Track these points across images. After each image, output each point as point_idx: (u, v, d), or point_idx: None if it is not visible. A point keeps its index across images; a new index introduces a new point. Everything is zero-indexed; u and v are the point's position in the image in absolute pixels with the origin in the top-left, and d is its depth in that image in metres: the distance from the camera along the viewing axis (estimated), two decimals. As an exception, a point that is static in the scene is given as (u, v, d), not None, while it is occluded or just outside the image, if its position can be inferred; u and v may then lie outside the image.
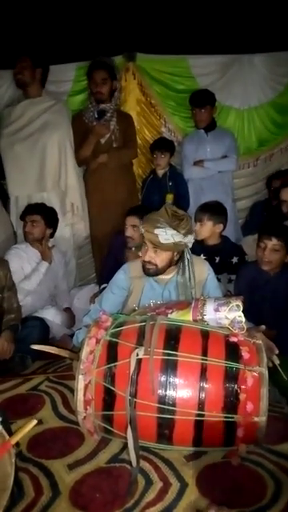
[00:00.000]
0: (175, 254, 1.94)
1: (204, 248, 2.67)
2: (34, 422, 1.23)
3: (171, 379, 1.46)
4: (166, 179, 3.39)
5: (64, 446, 1.60)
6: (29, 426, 1.21)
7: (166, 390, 1.46)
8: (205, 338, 1.55)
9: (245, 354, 1.50)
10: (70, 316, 3.00)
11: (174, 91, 3.66)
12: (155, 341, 1.49)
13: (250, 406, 1.43)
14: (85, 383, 1.52)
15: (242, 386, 1.45)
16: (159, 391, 1.46)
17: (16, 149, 3.20)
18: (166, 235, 1.83)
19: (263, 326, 1.70)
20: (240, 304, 1.61)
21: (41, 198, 3.19)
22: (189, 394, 1.46)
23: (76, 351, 1.76)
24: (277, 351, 1.65)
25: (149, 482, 1.41)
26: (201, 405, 1.44)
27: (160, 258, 1.91)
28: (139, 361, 1.47)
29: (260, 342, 1.57)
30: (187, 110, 3.57)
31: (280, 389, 1.87)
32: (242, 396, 1.44)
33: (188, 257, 1.96)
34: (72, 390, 1.66)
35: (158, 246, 1.87)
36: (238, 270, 2.56)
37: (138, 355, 1.47)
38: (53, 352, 1.81)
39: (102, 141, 3.31)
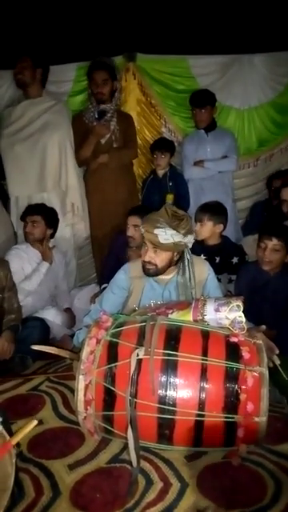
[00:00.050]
0: (175, 254, 1.94)
1: (204, 248, 2.67)
2: (35, 422, 1.23)
3: (171, 379, 1.46)
4: (166, 179, 3.39)
5: (64, 446, 1.60)
6: (29, 427, 1.21)
7: (166, 391, 1.46)
8: (205, 338, 1.55)
9: (245, 354, 1.50)
10: (71, 316, 3.00)
11: (174, 91, 3.66)
12: (155, 341, 1.49)
13: (250, 406, 1.43)
14: (85, 383, 1.53)
15: (243, 386, 1.45)
16: (159, 391, 1.46)
17: (16, 149, 3.20)
18: (166, 235, 1.83)
19: (263, 326, 1.71)
20: (240, 304, 1.61)
21: (41, 199, 3.19)
22: (189, 395, 1.46)
23: (76, 351, 1.76)
24: (277, 351, 1.65)
25: (149, 482, 1.41)
26: (201, 405, 1.45)
27: (160, 258, 1.91)
28: (139, 361, 1.47)
29: (260, 342, 1.57)
30: (187, 110, 3.57)
31: (280, 389, 1.87)
32: (243, 396, 1.44)
33: (188, 257, 1.96)
34: (72, 391, 1.66)
35: (157, 246, 1.87)
36: (239, 270, 2.56)
37: (138, 355, 1.47)
38: (53, 352, 1.81)
39: (103, 141, 3.31)
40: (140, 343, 1.51)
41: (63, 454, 1.55)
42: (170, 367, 1.47)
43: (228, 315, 1.60)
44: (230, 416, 1.45)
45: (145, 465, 1.49)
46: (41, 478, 1.44)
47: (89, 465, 1.50)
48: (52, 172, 3.24)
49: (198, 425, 1.46)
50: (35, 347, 1.86)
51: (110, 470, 1.48)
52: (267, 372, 1.48)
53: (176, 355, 1.48)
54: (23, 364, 2.33)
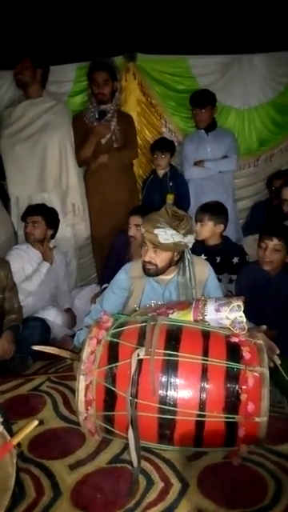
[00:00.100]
0: (175, 254, 1.94)
1: (205, 248, 2.67)
2: (36, 422, 1.23)
3: (172, 380, 1.46)
4: (166, 179, 3.39)
5: (65, 446, 1.60)
6: (30, 427, 1.21)
7: (166, 391, 1.46)
8: (206, 338, 1.55)
9: (246, 355, 1.50)
10: (71, 316, 3.00)
11: (175, 91, 3.66)
12: (156, 341, 1.49)
13: (251, 407, 1.43)
14: (86, 384, 1.53)
15: (243, 387, 1.45)
16: (160, 392, 1.46)
17: (16, 149, 3.20)
18: (166, 235, 1.83)
19: (264, 326, 1.71)
20: (241, 304, 1.61)
21: (41, 199, 3.19)
22: (190, 395, 1.46)
23: (77, 352, 1.76)
24: (278, 351, 1.65)
25: (150, 483, 1.41)
26: (202, 405, 1.45)
27: (160, 258, 1.91)
28: (140, 361, 1.47)
29: (261, 342, 1.57)
30: (188, 110, 3.57)
31: (281, 389, 1.87)
32: (243, 396, 1.44)
33: (188, 257, 1.96)
34: (73, 391, 1.66)
35: (157, 245, 1.87)
36: (239, 271, 2.56)
37: (138, 356, 1.47)
38: (54, 352, 1.81)
39: (103, 141, 3.31)
40: (141, 343, 1.51)
41: (64, 455, 1.55)
42: (171, 367, 1.47)
43: (228, 315, 1.60)
44: (231, 416, 1.45)
45: (145, 465, 1.49)
46: (41, 478, 1.44)
47: (89, 465, 1.50)
48: (52, 172, 3.24)
49: (199, 425, 1.46)
50: (36, 347, 1.86)
51: (110, 470, 1.48)
52: (268, 372, 1.47)
53: (177, 355, 1.48)
54: (24, 364, 2.33)
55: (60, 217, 3.05)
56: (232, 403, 1.45)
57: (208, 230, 2.69)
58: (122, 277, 2.07)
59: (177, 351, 1.49)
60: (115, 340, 1.57)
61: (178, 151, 3.53)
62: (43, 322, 2.64)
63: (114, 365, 1.52)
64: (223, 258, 2.70)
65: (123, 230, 2.93)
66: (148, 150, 3.56)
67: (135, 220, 2.77)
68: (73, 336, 2.53)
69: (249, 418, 1.44)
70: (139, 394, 1.46)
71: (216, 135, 3.44)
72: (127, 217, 2.90)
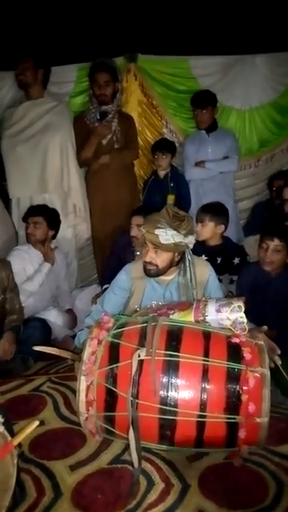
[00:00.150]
0: (176, 254, 1.94)
1: (205, 249, 2.67)
2: (36, 423, 1.24)
3: (173, 380, 1.46)
4: (167, 180, 3.39)
5: (66, 446, 1.60)
6: (31, 427, 1.21)
7: (167, 391, 1.46)
8: (206, 338, 1.54)
9: (247, 355, 1.49)
10: (72, 317, 3.00)
11: (176, 92, 3.66)
12: (157, 342, 1.49)
13: (252, 407, 1.43)
14: (87, 384, 1.52)
15: (244, 387, 1.45)
16: (161, 392, 1.46)
17: (18, 150, 3.21)
18: (167, 236, 1.83)
19: (265, 327, 1.70)
20: (242, 305, 1.61)
21: (43, 200, 3.19)
22: (190, 395, 1.45)
23: (78, 352, 1.76)
24: (279, 352, 1.65)
25: (151, 483, 1.41)
26: (203, 406, 1.44)
27: (161, 259, 1.91)
28: (141, 362, 1.47)
29: (262, 342, 1.57)
30: (188, 110, 3.57)
31: (282, 389, 1.86)
32: (244, 397, 1.44)
33: (189, 258, 1.96)
34: (74, 391, 1.66)
35: (158, 246, 1.87)
36: (240, 271, 2.56)
37: (139, 356, 1.47)
38: (54, 353, 1.81)
39: (104, 142, 3.31)
40: (141, 344, 1.51)
41: (65, 455, 1.55)
42: (172, 368, 1.47)
43: (229, 316, 1.60)
44: (232, 417, 1.44)
45: (146, 466, 1.49)
46: (42, 478, 1.44)
47: (90, 465, 1.50)
48: (53, 173, 3.24)
49: (200, 426, 1.45)
50: (37, 348, 1.86)
51: (111, 470, 1.48)
52: (269, 373, 1.47)
53: (177, 356, 1.48)
54: (25, 365, 2.33)
55: (61, 217, 3.05)
56: (233, 404, 1.45)
57: (209, 230, 2.69)
58: (122, 277, 2.07)
59: (178, 352, 1.49)
60: (116, 341, 1.57)
61: (179, 152, 3.53)
62: (44, 322, 2.64)
63: (114, 365, 1.52)
64: (224, 258, 2.70)
65: (125, 230, 2.94)
66: (149, 150, 3.56)
67: (137, 220, 2.77)
68: (73, 336, 2.53)
69: (250, 419, 1.43)
70: (140, 394, 1.45)
71: (217, 136, 3.44)
72: (128, 217, 2.90)
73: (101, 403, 1.52)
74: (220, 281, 2.30)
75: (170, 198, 3.28)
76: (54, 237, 2.99)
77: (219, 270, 2.39)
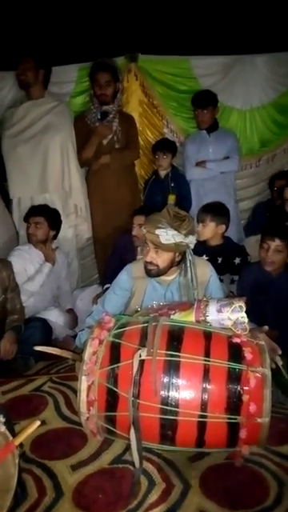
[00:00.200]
0: (177, 254, 1.94)
1: (206, 249, 2.67)
2: (38, 423, 1.24)
3: (174, 380, 1.46)
4: (168, 180, 3.39)
5: (67, 446, 1.60)
6: (32, 427, 1.22)
7: (168, 391, 1.46)
8: (207, 338, 1.54)
9: (248, 355, 1.49)
10: (73, 317, 3.00)
11: (176, 92, 3.67)
12: (158, 342, 1.49)
13: (252, 407, 1.43)
14: (88, 384, 1.53)
15: (245, 387, 1.45)
16: (162, 392, 1.46)
17: (18, 150, 3.21)
18: (167, 236, 1.83)
19: (266, 327, 1.70)
20: (243, 305, 1.61)
21: (43, 200, 3.20)
22: (191, 395, 1.45)
23: (79, 352, 1.76)
24: (280, 352, 1.65)
25: (152, 483, 1.41)
26: (203, 406, 1.44)
27: (161, 259, 1.91)
28: (142, 362, 1.47)
29: (263, 342, 1.57)
30: (189, 110, 3.57)
31: (283, 390, 1.87)
32: (245, 397, 1.44)
33: (190, 258, 1.96)
34: (75, 391, 1.66)
35: (159, 246, 1.87)
36: (241, 271, 2.56)
37: (140, 356, 1.47)
38: (55, 353, 1.81)
39: (105, 142, 3.31)
40: (142, 344, 1.51)
41: (66, 455, 1.55)
42: (173, 368, 1.47)
43: (230, 316, 1.60)
44: (233, 417, 1.44)
45: (147, 466, 1.49)
46: (43, 478, 1.44)
47: (91, 465, 1.50)
48: (54, 173, 3.24)
49: (201, 426, 1.45)
50: (38, 348, 1.85)
51: (112, 470, 1.48)
52: (270, 373, 1.47)
53: (178, 356, 1.48)
54: (26, 364, 2.33)
55: (62, 218, 3.05)
56: (234, 404, 1.44)
57: (210, 230, 2.69)
58: (123, 277, 2.07)
59: (178, 352, 1.49)
60: (117, 340, 1.57)
61: (180, 152, 3.54)
62: (45, 322, 2.64)
63: (115, 365, 1.52)
64: (225, 258, 2.70)
65: (126, 230, 2.94)
66: (150, 150, 3.56)
67: (139, 220, 2.77)
68: (74, 336, 2.54)
69: (251, 419, 1.43)
70: (141, 394, 1.45)
71: (218, 136, 3.44)
72: (129, 217, 2.90)
73: (102, 403, 1.52)
74: (221, 281, 2.30)
75: (171, 198, 3.28)
76: (55, 237, 2.99)
77: (220, 270, 2.39)
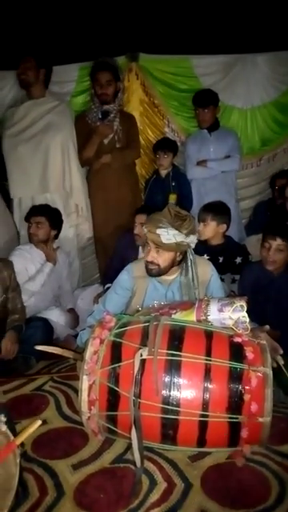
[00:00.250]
0: (178, 254, 1.93)
1: (207, 248, 2.67)
2: (39, 422, 1.24)
3: (175, 380, 1.46)
4: (169, 179, 3.39)
5: (68, 446, 1.60)
6: (33, 427, 1.22)
7: (169, 391, 1.46)
8: (209, 338, 1.54)
9: (249, 355, 1.49)
10: (74, 317, 3.00)
11: (177, 91, 3.66)
12: (159, 341, 1.49)
13: (254, 407, 1.43)
14: (89, 383, 1.53)
15: (247, 387, 1.45)
16: (163, 392, 1.46)
17: (19, 150, 3.21)
18: (168, 235, 1.83)
19: (267, 326, 1.70)
20: (244, 304, 1.61)
21: (44, 199, 3.19)
22: (193, 395, 1.45)
23: (80, 352, 1.76)
24: (281, 351, 1.65)
25: (153, 483, 1.41)
26: (205, 405, 1.44)
27: (162, 258, 1.91)
28: (143, 361, 1.47)
29: (264, 342, 1.57)
30: (190, 109, 3.57)
31: (284, 389, 1.86)
32: (247, 396, 1.44)
33: (191, 257, 1.96)
34: (76, 391, 1.66)
35: (160, 245, 1.87)
36: (242, 270, 2.56)
37: (141, 356, 1.47)
38: (56, 352, 1.82)
39: (105, 141, 3.31)
40: (143, 343, 1.51)
41: (67, 454, 1.56)
42: (174, 367, 1.47)
43: (231, 315, 1.60)
44: (234, 416, 1.44)
45: (149, 465, 1.49)
46: (45, 477, 1.44)
47: (92, 465, 1.50)
48: (55, 173, 3.24)
49: (202, 425, 1.45)
50: (39, 347, 1.86)
51: (113, 470, 1.48)
52: (271, 372, 1.47)
53: (179, 355, 1.48)
54: (27, 364, 2.34)
55: (63, 217, 3.05)
56: (235, 403, 1.45)
57: (211, 229, 2.69)
58: (124, 277, 2.07)
59: (180, 351, 1.49)
60: (118, 340, 1.57)
61: (181, 151, 3.53)
62: (46, 322, 2.64)
63: (117, 365, 1.52)
64: (226, 257, 2.70)
65: (127, 229, 2.94)
66: (150, 149, 3.56)
67: (141, 218, 2.77)
68: (75, 336, 2.53)
69: (252, 419, 1.43)
70: (142, 393, 1.46)
71: (219, 135, 3.43)
72: (130, 217, 2.89)
73: (103, 402, 1.52)
74: (222, 280, 2.29)
75: (172, 198, 3.28)
76: (56, 237, 2.99)
77: (221, 270, 2.39)
